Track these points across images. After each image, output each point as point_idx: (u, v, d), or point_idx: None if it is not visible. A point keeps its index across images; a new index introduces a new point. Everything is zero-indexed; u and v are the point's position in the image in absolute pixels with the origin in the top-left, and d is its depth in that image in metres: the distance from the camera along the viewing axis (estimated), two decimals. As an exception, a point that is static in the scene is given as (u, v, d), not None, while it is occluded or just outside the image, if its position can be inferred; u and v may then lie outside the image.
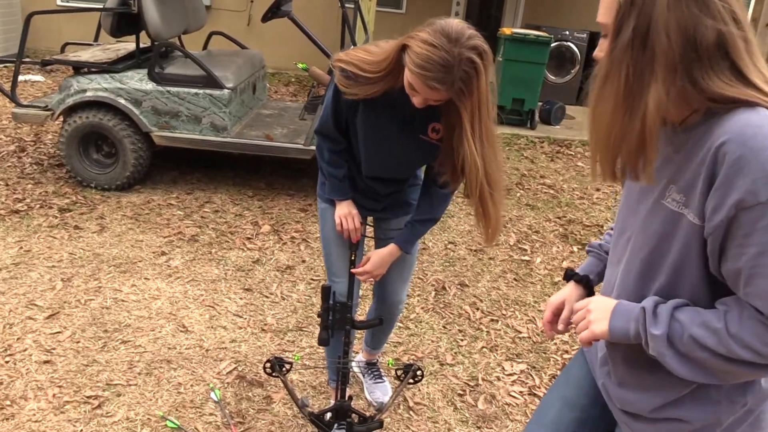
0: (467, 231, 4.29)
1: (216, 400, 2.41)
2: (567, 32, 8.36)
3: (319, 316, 2.10)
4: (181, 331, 2.85)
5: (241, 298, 3.18)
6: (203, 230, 3.90)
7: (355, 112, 1.88)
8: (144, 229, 3.84)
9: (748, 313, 0.97)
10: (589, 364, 1.37)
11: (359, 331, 2.78)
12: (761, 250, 0.93)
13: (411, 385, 2.63)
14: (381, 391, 2.54)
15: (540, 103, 7.27)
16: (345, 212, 2.04)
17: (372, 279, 2.10)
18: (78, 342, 2.70)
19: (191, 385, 2.50)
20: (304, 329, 2.96)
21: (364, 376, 2.62)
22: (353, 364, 2.66)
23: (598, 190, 5.37)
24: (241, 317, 3.01)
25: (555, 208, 4.86)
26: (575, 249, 4.20)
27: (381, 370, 2.64)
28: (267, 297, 3.22)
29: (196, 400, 2.42)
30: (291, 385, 2.45)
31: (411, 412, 2.50)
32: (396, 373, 2.23)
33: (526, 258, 4.00)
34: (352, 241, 2.07)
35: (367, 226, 2.23)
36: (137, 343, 2.72)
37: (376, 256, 2.04)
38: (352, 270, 2.08)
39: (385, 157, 1.96)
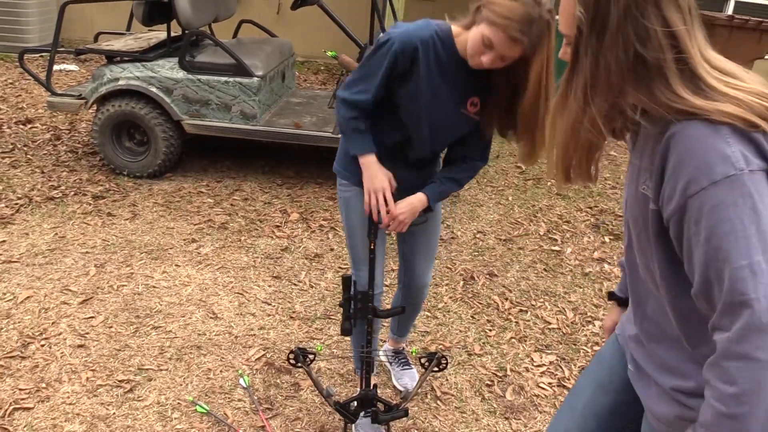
0: (496, 220, 4.25)
1: (245, 386, 2.43)
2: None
3: (341, 305, 2.10)
4: (211, 318, 2.88)
5: (269, 286, 3.20)
6: (233, 218, 3.94)
7: (406, 81, 1.83)
8: (175, 216, 3.89)
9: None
10: (622, 347, 1.34)
11: (385, 320, 2.77)
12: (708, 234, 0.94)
13: (437, 374, 2.62)
14: (409, 377, 2.54)
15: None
16: (376, 178, 1.91)
17: (395, 231, 2.02)
18: (111, 327, 2.75)
19: (220, 371, 2.53)
20: (331, 317, 2.97)
21: (391, 363, 2.62)
22: (380, 352, 2.66)
23: (631, 179, 5.27)
24: (269, 305, 3.03)
25: (586, 198, 4.78)
26: (607, 239, 4.13)
27: (408, 357, 2.64)
28: (295, 285, 3.23)
29: (225, 386, 2.45)
30: (315, 375, 2.46)
31: (438, 402, 2.50)
32: (420, 362, 2.22)
33: (557, 248, 3.94)
34: (383, 220, 1.99)
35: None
36: (168, 329, 2.76)
37: (405, 202, 1.97)
38: (381, 226, 1.99)
39: (430, 128, 1.92)
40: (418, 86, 1.84)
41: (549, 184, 5.00)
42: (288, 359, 2.11)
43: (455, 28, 1.81)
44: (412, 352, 2.49)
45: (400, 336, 2.55)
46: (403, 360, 2.59)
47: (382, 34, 1.86)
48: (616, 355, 1.38)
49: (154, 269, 3.25)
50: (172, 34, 4.69)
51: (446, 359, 2.19)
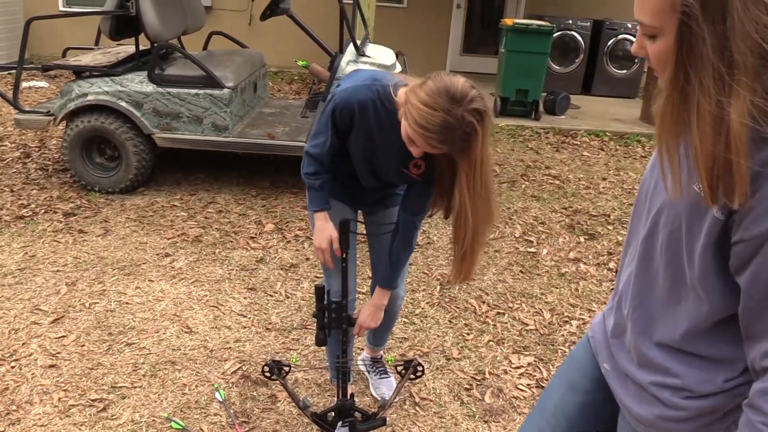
0: (472, 224, 4.26)
1: (221, 400, 2.41)
2: (570, 21, 8.30)
3: (314, 316, 2.09)
4: (186, 332, 2.84)
5: (245, 298, 3.17)
6: (207, 231, 3.90)
7: (347, 135, 1.92)
8: (148, 231, 3.85)
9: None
10: (593, 349, 1.34)
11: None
12: None
13: (415, 381, 2.62)
14: (386, 387, 2.53)
15: (544, 94, 7.22)
16: (321, 234, 2.01)
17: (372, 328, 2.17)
18: (83, 345, 2.70)
19: (196, 386, 2.50)
20: (308, 327, 2.95)
21: (369, 372, 2.60)
22: (358, 360, 2.65)
23: (604, 179, 5.33)
24: (245, 317, 3.01)
25: (561, 199, 4.82)
26: (582, 240, 4.16)
27: (385, 365, 2.63)
28: (271, 296, 3.21)
29: (200, 401, 2.42)
30: (291, 386, 2.44)
31: (417, 408, 2.49)
32: (397, 370, 2.22)
33: (532, 250, 3.97)
34: (336, 254, 2.06)
35: (358, 223, 2.22)
36: (142, 345, 2.72)
37: (365, 309, 2.11)
38: (355, 332, 2.14)
39: (373, 175, 2.03)
40: (357, 142, 1.91)
41: (523, 186, 5.03)
42: (263, 372, 2.09)
43: (401, 93, 1.73)
44: (388, 361, 2.49)
45: (377, 345, 2.54)
46: (381, 369, 2.58)
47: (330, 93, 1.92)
48: (587, 355, 1.38)
49: (127, 285, 3.21)
50: (141, 47, 4.66)
51: (422, 366, 2.18)
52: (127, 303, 3.05)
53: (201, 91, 4.25)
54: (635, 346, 1.16)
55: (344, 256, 2.06)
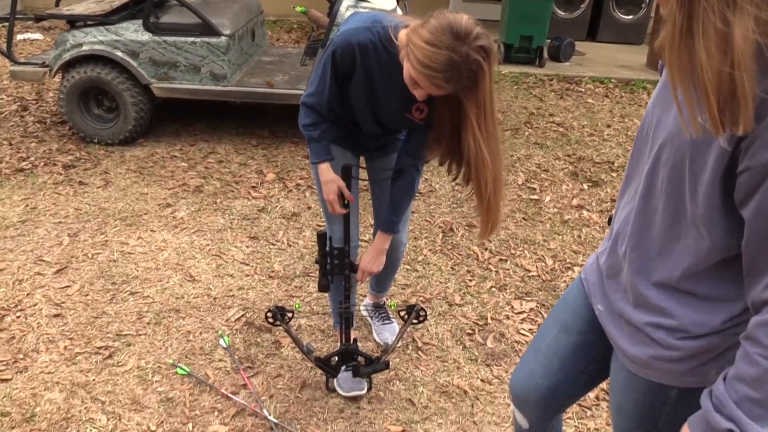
0: (475, 172, 4.22)
1: (225, 346, 2.43)
2: (577, -36, 8.05)
3: (317, 263, 2.09)
4: (189, 281, 2.86)
5: (247, 247, 3.17)
6: (208, 181, 3.88)
7: (348, 80, 1.86)
8: (148, 182, 3.83)
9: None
10: (586, 291, 1.33)
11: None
12: None
13: (418, 326, 2.64)
14: (389, 332, 2.55)
15: (548, 40, 7.05)
16: (328, 187, 1.99)
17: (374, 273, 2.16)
18: (87, 295, 2.72)
19: (200, 333, 2.52)
20: (311, 275, 2.96)
21: (371, 318, 2.62)
22: (361, 306, 2.67)
23: (608, 126, 5.26)
24: (247, 265, 3.01)
25: (564, 146, 4.77)
26: (585, 187, 4.13)
27: (388, 311, 2.64)
28: (273, 244, 3.21)
29: (205, 347, 2.44)
30: (295, 332, 2.45)
31: (419, 352, 2.51)
32: (400, 315, 2.23)
33: (535, 197, 3.94)
34: (350, 200, 2.05)
35: (360, 168, 2.20)
36: (145, 294, 2.74)
37: (366, 254, 2.10)
38: (358, 277, 2.13)
39: (375, 121, 1.99)
40: (358, 86, 1.85)
41: (527, 134, 4.97)
42: (266, 318, 2.10)
43: (402, 34, 1.67)
44: (391, 306, 2.50)
45: (379, 291, 2.55)
46: (383, 314, 2.60)
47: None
48: (580, 297, 1.37)
49: (129, 236, 3.21)
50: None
51: (425, 311, 2.19)
52: (129, 253, 3.05)
53: (198, 39, 4.16)
54: (632, 286, 1.15)
55: (346, 203, 2.04)
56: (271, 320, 2.11)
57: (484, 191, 1.68)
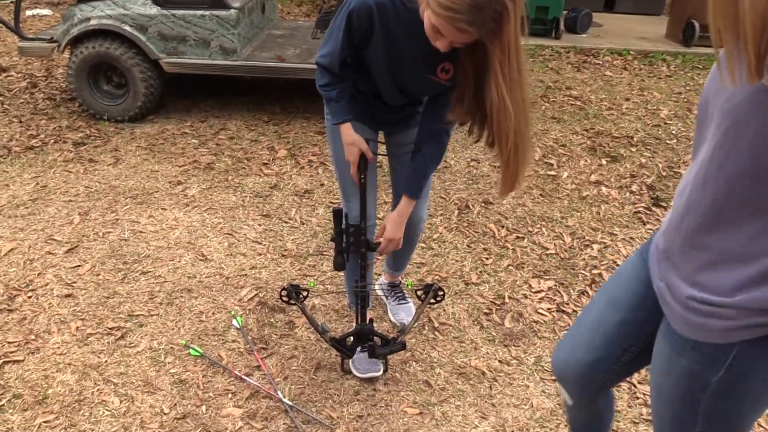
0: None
1: (238, 327, 2.39)
2: (594, -68, 7.81)
3: (332, 240, 2.03)
4: (201, 260, 2.81)
5: (259, 225, 3.12)
6: (219, 158, 3.82)
7: (367, 43, 1.77)
8: (159, 159, 3.77)
9: None
10: (649, 267, 1.26)
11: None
12: None
13: (434, 306, 2.58)
14: (405, 312, 2.49)
15: (565, 11, 6.88)
16: (349, 149, 1.94)
17: (393, 248, 2.07)
18: (98, 275, 2.68)
19: (212, 313, 2.48)
20: (324, 253, 2.91)
21: (387, 297, 2.57)
22: (376, 286, 2.62)
23: (627, 100, 5.12)
24: (260, 244, 2.96)
25: (582, 120, 4.65)
26: (604, 162, 4.03)
27: (404, 291, 2.59)
28: (286, 222, 3.16)
29: (218, 328, 2.40)
30: (309, 311, 2.40)
31: (436, 333, 2.46)
32: (417, 294, 2.17)
33: (553, 173, 3.85)
34: (367, 160, 1.97)
35: (379, 143, 2.12)
36: (157, 274, 2.70)
37: (389, 222, 2.01)
38: (377, 250, 2.05)
39: (398, 87, 1.90)
40: (378, 49, 1.76)
41: (543, 108, 4.86)
42: (280, 296, 2.04)
43: None
44: (407, 285, 2.44)
45: (396, 270, 2.49)
46: (399, 294, 2.54)
47: None
48: (633, 272, 1.32)
49: (140, 214, 3.16)
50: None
51: (443, 290, 2.13)
52: (140, 232, 3.01)
53: (207, 12, 4.07)
54: (687, 259, 1.10)
55: (362, 177, 1.98)
56: (285, 299, 2.05)
57: (504, 145, 1.59)
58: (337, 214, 2.00)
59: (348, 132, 1.92)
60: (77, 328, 2.37)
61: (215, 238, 2.98)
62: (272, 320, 2.46)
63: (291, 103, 4.75)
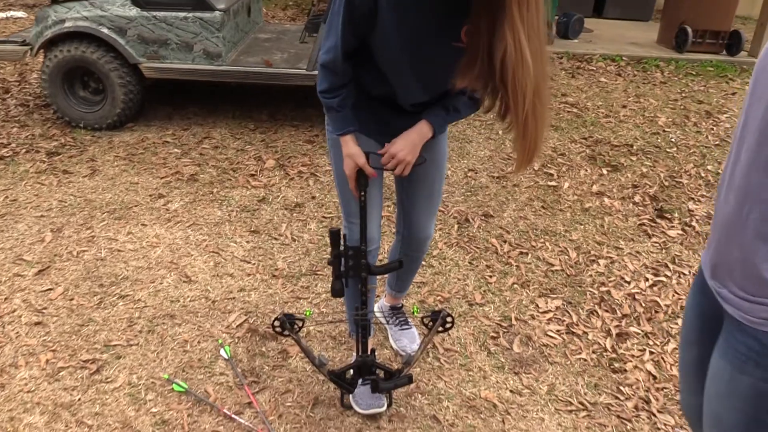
0: (488, 157, 3.97)
1: (226, 357, 2.18)
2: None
3: (329, 264, 1.83)
4: (184, 282, 2.60)
5: (247, 242, 2.91)
6: (203, 168, 3.61)
7: (373, 25, 1.51)
8: (139, 170, 3.55)
9: None
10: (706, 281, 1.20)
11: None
12: None
13: (440, 333, 2.40)
14: (408, 339, 2.31)
15: (556, 17, 6.76)
16: (347, 162, 1.73)
17: (398, 172, 1.76)
18: (71, 299, 2.46)
19: (198, 342, 2.27)
20: (318, 273, 2.71)
21: (388, 322, 2.38)
22: (375, 309, 2.43)
23: (624, 107, 5.00)
24: (249, 263, 2.76)
25: (580, 128, 4.51)
26: (605, 172, 3.88)
27: (407, 315, 2.40)
28: (276, 239, 2.95)
29: (204, 359, 2.20)
30: (305, 342, 2.21)
31: (441, 360, 2.28)
32: (423, 321, 1.98)
33: (553, 183, 3.69)
34: (371, 175, 1.77)
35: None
36: (136, 298, 2.48)
37: (402, 139, 1.72)
38: (382, 160, 1.75)
39: (416, 75, 1.62)
40: (387, 29, 1.49)
41: (540, 115, 4.71)
42: (273, 327, 1.85)
43: None
44: (413, 312, 2.25)
45: (399, 292, 2.30)
46: (401, 318, 2.35)
47: None
48: (690, 302, 1.28)
49: (118, 230, 2.94)
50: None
51: (452, 317, 1.94)
52: (118, 250, 2.79)
53: (190, 14, 3.86)
54: (745, 260, 1.02)
55: (363, 194, 1.78)
56: (278, 330, 1.86)
57: (521, 108, 1.36)
58: (335, 235, 1.81)
59: (349, 144, 1.72)
60: (47, 360, 2.14)
61: (200, 257, 2.77)
62: (264, 349, 2.26)
63: (279, 110, 4.55)
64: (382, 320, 2.40)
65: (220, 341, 2.27)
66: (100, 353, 2.19)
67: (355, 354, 1.95)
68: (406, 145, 1.71)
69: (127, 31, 3.87)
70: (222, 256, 2.79)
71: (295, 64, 4.07)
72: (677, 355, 2.46)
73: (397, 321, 2.34)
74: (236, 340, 2.29)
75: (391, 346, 2.32)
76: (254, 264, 2.75)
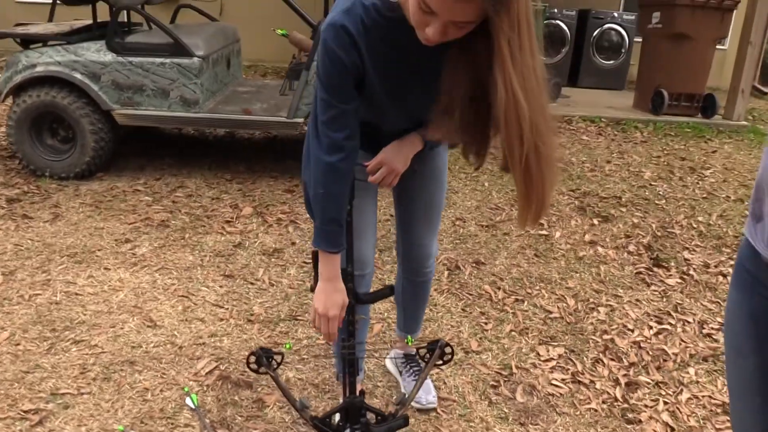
0: (475, 207, 3.82)
1: (193, 407, 1.90)
2: (555, 10, 7.97)
3: (312, 290, 1.61)
4: (148, 326, 2.33)
5: (221, 286, 2.67)
6: (175, 215, 3.38)
7: (363, 78, 1.39)
8: (105, 216, 3.32)
9: None
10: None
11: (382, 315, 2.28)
12: None
13: (435, 372, 2.15)
14: (423, 390, 2.04)
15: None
16: (329, 298, 1.50)
17: (386, 183, 1.60)
18: (17, 344, 2.17)
19: (161, 391, 1.99)
20: (299, 318, 2.46)
21: (401, 373, 2.11)
22: (387, 361, 2.20)
23: (608, 162, 4.95)
24: (221, 307, 2.50)
25: (567, 181, 4.41)
26: (596, 222, 3.75)
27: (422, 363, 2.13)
28: (252, 284, 2.71)
29: (167, 409, 1.91)
30: (285, 383, 1.95)
31: (439, 410, 2.02)
32: (419, 354, 1.74)
33: (544, 233, 3.54)
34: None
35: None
36: (93, 343, 2.20)
37: (393, 147, 1.57)
38: (369, 167, 1.59)
39: (409, 111, 1.53)
40: (371, 78, 1.39)
41: (525, 169, 4.62)
42: (248, 363, 1.60)
43: None
44: (407, 342, 2.00)
45: (409, 332, 2.04)
46: (416, 368, 2.08)
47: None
48: (734, 306, 1.10)
49: (78, 274, 2.68)
50: (100, 21, 4.14)
51: (451, 348, 1.71)
52: (76, 294, 2.52)
53: (168, 60, 3.75)
54: None
55: (349, 207, 1.59)
56: (254, 366, 1.61)
57: (519, 153, 1.17)
58: (317, 256, 1.59)
59: (331, 272, 1.49)
60: (-18, 411, 1.85)
61: (167, 301, 2.51)
62: (236, 398, 1.98)
63: (257, 162, 4.39)
64: (393, 371, 2.15)
65: (186, 389, 1.99)
66: (45, 403, 1.89)
67: (342, 397, 1.69)
68: (395, 154, 1.57)
69: (101, 77, 3.73)
70: (192, 301, 2.53)
71: (275, 112, 3.94)
72: (692, 405, 2.24)
73: (411, 371, 2.08)
74: (205, 388, 2.01)
75: (383, 394, 2.05)
76: (228, 309, 2.50)
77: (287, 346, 1.71)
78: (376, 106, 1.49)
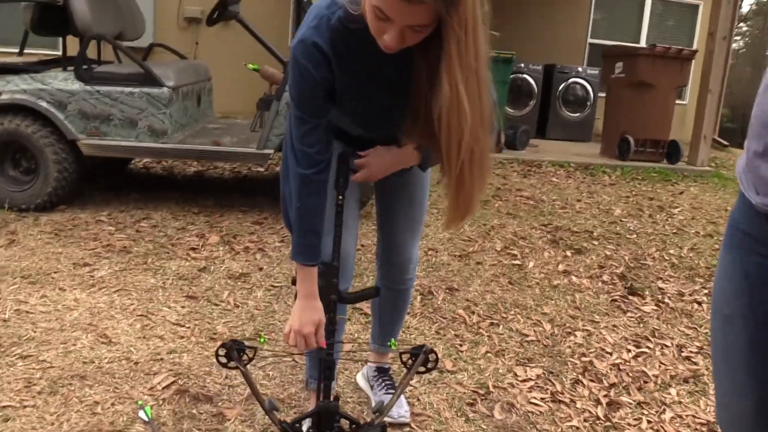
0: (447, 239, 3.77)
1: (146, 419, 1.75)
2: (522, 65, 8.21)
3: (293, 283, 1.52)
4: (103, 343, 2.18)
5: (183, 307, 2.53)
6: (138, 242, 3.26)
7: (334, 90, 1.42)
8: (65, 242, 3.18)
9: None
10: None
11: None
12: None
13: (411, 386, 2.04)
14: (396, 405, 1.92)
15: (504, 129, 6.96)
16: (305, 314, 1.47)
17: (362, 177, 1.58)
18: (-43, 360, 2.01)
19: (112, 404, 1.83)
20: (265, 336, 2.34)
21: (372, 387, 1.99)
22: (359, 376, 2.09)
23: (579, 201, 4.98)
24: (183, 326, 2.37)
25: (538, 217, 4.41)
26: (569, 254, 3.72)
27: (394, 378, 2.02)
28: (216, 305, 2.59)
29: (118, 422, 1.75)
30: (255, 380, 1.81)
31: (413, 425, 1.90)
32: (402, 359, 1.64)
33: (518, 262, 3.49)
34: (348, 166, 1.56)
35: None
36: (41, 358, 2.05)
37: (385, 153, 1.55)
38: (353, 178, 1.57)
39: (380, 123, 1.54)
40: (341, 89, 1.41)
41: (497, 205, 4.61)
42: (217, 356, 1.47)
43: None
44: (391, 345, 1.88)
45: (383, 344, 1.94)
46: (388, 382, 1.96)
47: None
48: (726, 265, 1.05)
49: (30, 294, 2.52)
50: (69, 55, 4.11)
51: (435, 354, 1.61)
52: (27, 312, 2.36)
53: (137, 90, 3.70)
54: None
55: (340, 197, 1.53)
56: (223, 360, 1.49)
57: (455, 155, 1.21)
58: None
59: (307, 284, 1.47)
60: None
61: (124, 320, 2.37)
62: (194, 411, 1.83)
63: (226, 197, 4.30)
64: (364, 385, 2.03)
65: (139, 402, 1.84)
66: (-17, 415, 1.73)
67: (314, 402, 1.57)
68: (379, 161, 1.56)
69: (67, 106, 3.66)
70: (151, 320, 2.39)
71: (246, 145, 3.90)
72: (677, 424, 2.15)
73: (384, 384, 1.96)
74: (161, 402, 1.86)
75: (353, 410, 1.93)
76: (189, 327, 2.36)
77: (261, 339, 1.60)
78: (351, 114, 1.50)
